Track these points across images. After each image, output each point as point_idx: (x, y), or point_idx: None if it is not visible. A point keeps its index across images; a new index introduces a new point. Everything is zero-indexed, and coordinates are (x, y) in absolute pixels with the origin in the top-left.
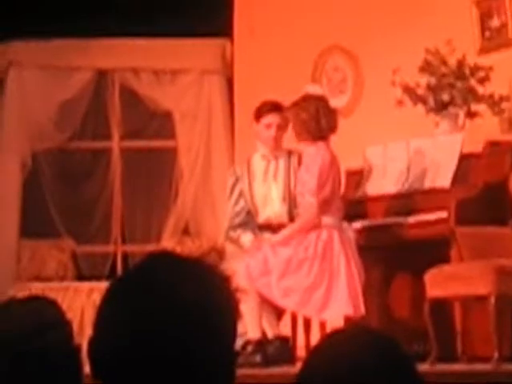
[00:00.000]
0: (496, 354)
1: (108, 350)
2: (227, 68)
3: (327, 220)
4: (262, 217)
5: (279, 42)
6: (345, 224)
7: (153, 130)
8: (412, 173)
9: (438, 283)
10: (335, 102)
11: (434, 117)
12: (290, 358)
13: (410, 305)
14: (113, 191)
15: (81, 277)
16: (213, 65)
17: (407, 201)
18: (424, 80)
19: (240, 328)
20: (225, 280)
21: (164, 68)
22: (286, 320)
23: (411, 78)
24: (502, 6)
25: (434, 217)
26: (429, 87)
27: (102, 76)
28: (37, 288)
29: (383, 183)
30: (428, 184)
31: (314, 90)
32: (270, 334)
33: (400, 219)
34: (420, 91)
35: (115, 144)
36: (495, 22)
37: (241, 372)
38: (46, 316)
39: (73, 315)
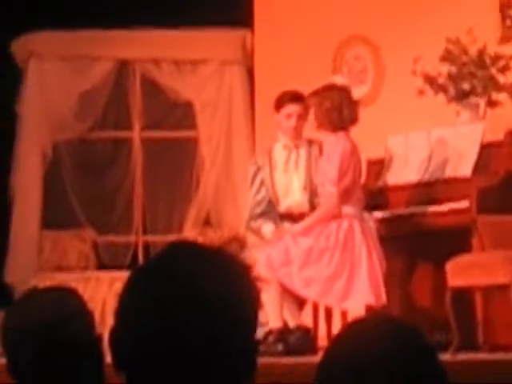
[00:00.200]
0: None
1: (129, 340)
2: (248, 58)
3: (348, 210)
4: (283, 206)
5: (299, 32)
6: (366, 214)
7: (174, 120)
8: (433, 162)
9: (460, 272)
10: (356, 92)
11: (454, 106)
12: (312, 348)
13: (432, 294)
14: (134, 181)
15: (102, 267)
16: (233, 55)
17: (428, 190)
18: (445, 69)
19: (261, 318)
20: (246, 269)
21: (185, 58)
22: (308, 310)
23: (432, 67)
24: None
25: (456, 206)
26: (450, 76)
27: (122, 66)
28: (59, 278)
29: (404, 172)
30: (449, 173)
31: (340, 80)
32: (291, 324)
33: (421, 208)
34: (441, 80)
35: (136, 134)
36: None
37: (262, 361)
38: (67, 306)
39: (94, 305)
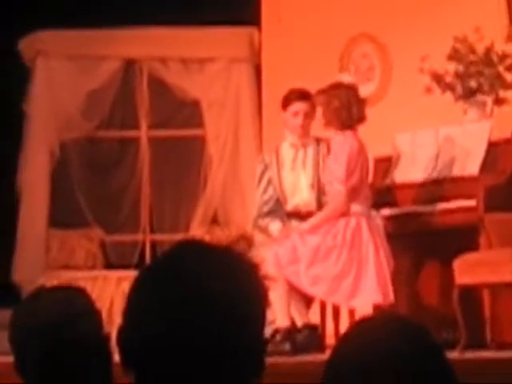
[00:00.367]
0: None
1: (137, 339)
2: (255, 56)
3: (356, 208)
4: (291, 205)
5: (307, 30)
6: (373, 212)
7: (181, 118)
8: (441, 160)
9: (467, 270)
10: (363, 90)
11: (462, 104)
12: (319, 346)
13: (439, 292)
14: (141, 180)
15: (110, 266)
16: (241, 53)
17: (436, 188)
18: (452, 67)
19: (269, 316)
20: (254, 268)
21: (192, 57)
22: (315, 308)
23: (439, 65)
24: None
25: (463, 204)
26: (457, 75)
27: (129, 65)
28: (66, 277)
29: (412, 171)
30: (456, 171)
31: (347, 78)
32: (299, 323)
33: (429, 207)
34: (448, 79)
35: (143, 133)
36: None
37: (270, 360)
38: (75, 305)
39: (102, 304)
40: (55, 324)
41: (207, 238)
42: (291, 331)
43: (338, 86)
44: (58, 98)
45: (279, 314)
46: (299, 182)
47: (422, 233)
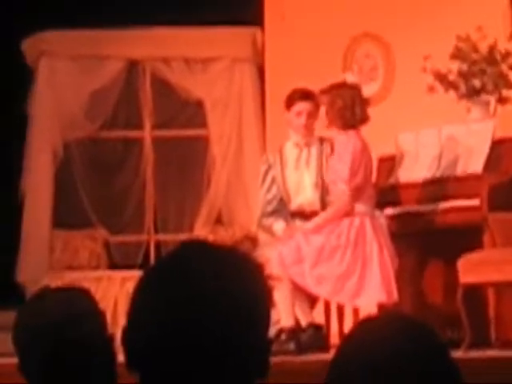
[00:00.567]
0: None
1: (142, 339)
2: (258, 56)
3: (360, 207)
4: (295, 204)
5: (310, 30)
6: (377, 211)
7: (184, 118)
8: (444, 159)
9: (471, 269)
10: (366, 90)
11: (465, 103)
12: (324, 346)
13: (443, 291)
14: (145, 180)
15: (114, 266)
16: (244, 53)
17: (439, 187)
18: (455, 66)
19: (273, 316)
20: (258, 268)
21: (195, 57)
22: (320, 308)
23: (442, 64)
24: None
25: (467, 203)
26: (460, 73)
27: (133, 65)
28: (70, 278)
29: (415, 170)
30: (460, 170)
31: (350, 78)
32: (303, 322)
33: (432, 206)
34: (451, 77)
35: (147, 133)
36: None
37: (274, 360)
38: (78, 306)
39: (106, 305)
40: (58, 324)
41: (211, 238)
42: (296, 331)
43: (341, 86)
44: (61, 98)
45: (284, 314)
46: (303, 181)
47: (425, 232)
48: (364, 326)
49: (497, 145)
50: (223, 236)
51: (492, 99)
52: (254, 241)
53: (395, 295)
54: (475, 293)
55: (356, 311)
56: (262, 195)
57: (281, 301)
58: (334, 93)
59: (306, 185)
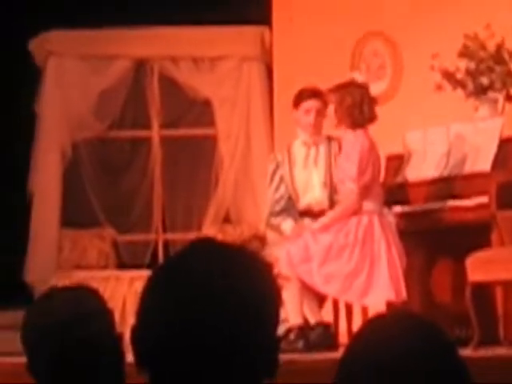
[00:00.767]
0: None
1: (151, 338)
2: (266, 55)
3: (368, 205)
4: (303, 203)
5: (318, 29)
6: (385, 209)
7: (192, 117)
8: (452, 157)
9: (480, 267)
10: (374, 88)
11: (473, 101)
12: (332, 345)
13: (452, 289)
14: (153, 179)
15: (122, 265)
16: (252, 52)
17: (447, 185)
18: (463, 64)
19: (281, 315)
20: (267, 267)
21: (203, 56)
22: (328, 306)
23: (450, 62)
24: None
25: (475, 201)
26: (468, 72)
27: (140, 65)
28: (78, 277)
29: (423, 168)
30: (468, 168)
31: (358, 77)
32: (311, 321)
33: (440, 204)
34: (459, 76)
35: (155, 132)
36: None
37: (283, 359)
38: (86, 305)
39: (114, 304)
40: (66, 323)
41: (219, 237)
42: (304, 329)
43: (349, 84)
44: (69, 98)
45: (292, 313)
46: (311, 180)
47: (434, 230)
48: (373, 324)
49: (505, 143)
50: (231, 235)
51: (500, 97)
52: (262, 240)
53: (404, 293)
54: (483, 291)
55: (365, 310)
56: (271, 194)
57: (289, 300)
58: (342, 91)
59: (314, 184)
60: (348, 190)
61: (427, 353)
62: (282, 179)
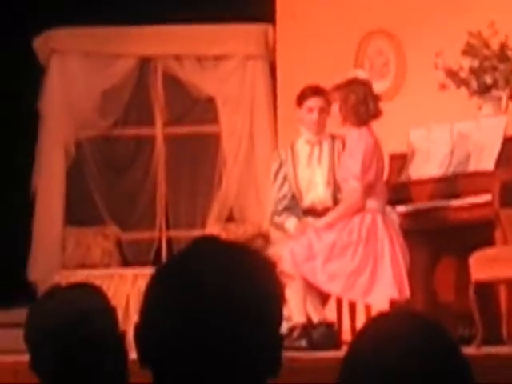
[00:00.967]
0: None
1: (154, 338)
2: (270, 53)
3: (371, 204)
4: (307, 201)
5: (321, 27)
6: (388, 208)
7: (196, 115)
8: (456, 156)
9: (483, 266)
10: (378, 86)
11: (477, 99)
12: (336, 343)
13: (455, 288)
14: (157, 177)
15: (126, 263)
16: (255, 50)
17: (451, 184)
18: (467, 63)
19: (285, 313)
20: (270, 265)
21: (207, 54)
22: (331, 305)
23: (454, 61)
24: None
25: (478, 199)
26: (472, 70)
27: (144, 63)
28: (82, 275)
29: (427, 167)
30: (472, 167)
31: (362, 75)
32: (315, 319)
33: (444, 202)
34: (463, 74)
35: (159, 130)
36: None
37: (286, 357)
38: (89, 303)
39: (118, 302)
40: (69, 322)
41: (223, 235)
42: (307, 328)
43: (352, 82)
44: (72, 96)
45: (295, 311)
46: (315, 178)
47: (437, 229)
48: (376, 323)
49: (509, 141)
50: (235, 233)
51: (504, 95)
52: (266, 238)
53: (407, 292)
54: (487, 289)
55: (368, 308)
56: (274, 192)
57: (292, 298)
58: (346, 89)
59: (317, 182)
60: (352, 188)
61: (430, 352)
62: (285, 177)
